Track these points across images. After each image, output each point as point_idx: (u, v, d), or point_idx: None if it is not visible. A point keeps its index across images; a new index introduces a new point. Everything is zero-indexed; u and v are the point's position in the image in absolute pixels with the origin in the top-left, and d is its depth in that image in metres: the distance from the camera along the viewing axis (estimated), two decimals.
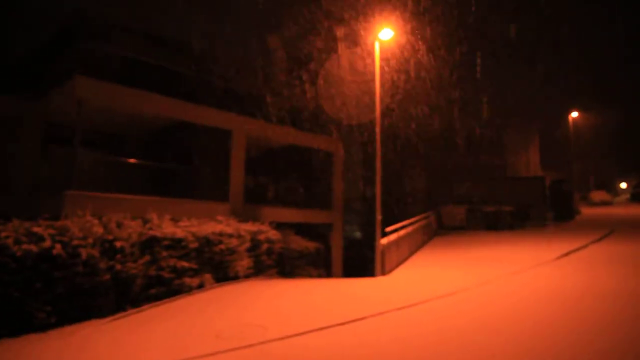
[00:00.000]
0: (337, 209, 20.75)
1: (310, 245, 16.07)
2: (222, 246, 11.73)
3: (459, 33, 23.32)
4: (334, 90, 21.70)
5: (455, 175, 31.49)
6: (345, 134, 23.06)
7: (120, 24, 15.78)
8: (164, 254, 9.94)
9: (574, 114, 40.30)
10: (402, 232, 15.80)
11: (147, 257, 9.57)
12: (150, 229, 10.01)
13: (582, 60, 68.12)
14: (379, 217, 12.61)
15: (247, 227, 13.19)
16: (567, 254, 15.51)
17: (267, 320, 7.82)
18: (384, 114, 21.25)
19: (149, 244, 9.73)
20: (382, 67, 20.39)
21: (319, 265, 16.48)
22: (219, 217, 12.95)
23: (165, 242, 10.04)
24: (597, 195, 46.09)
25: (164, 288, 9.75)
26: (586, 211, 35.69)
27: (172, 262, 10.05)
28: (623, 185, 57.96)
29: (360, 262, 18.32)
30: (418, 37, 20.82)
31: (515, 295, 9.39)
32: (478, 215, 25.65)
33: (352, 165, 25.34)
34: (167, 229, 10.28)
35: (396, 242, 14.62)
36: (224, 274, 11.96)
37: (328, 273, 18.78)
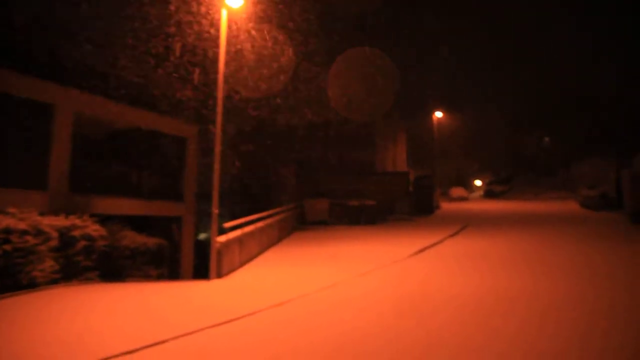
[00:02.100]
0: (189, 200, 18.59)
1: (150, 242, 13.94)
2: (8, 246, 9.17)
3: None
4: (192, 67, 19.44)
5: (325, 169, 30.82)
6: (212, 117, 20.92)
7: None
8: None
9: (438, 114, 42.20)
10: (249, 228, 14.21)
11: None
12: None
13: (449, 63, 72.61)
14: (215, 210, 10.83)
15: (54, 222, 10.63)
16: (422, 250, 15.27)
17: (24, 352, 5.72)
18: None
19: None
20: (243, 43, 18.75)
21: (161, 265, 14.46)
22: (11, 210, 10.25)
23: None
24: (456, 191, 49.07)
25: None
26: (446, 206, 37.49)
27: None
28: (478, 182, 62.66)
29: None
30: (278, 22, 19.27)
31: (356, 305, 8.20)
32: (341, 210, 25.08)
33: (224, 153, 23.26)
34: None
35: (239, 240, 12.98)
36: (13, 281, 9.43)
37: (174, 273, 16.69)
